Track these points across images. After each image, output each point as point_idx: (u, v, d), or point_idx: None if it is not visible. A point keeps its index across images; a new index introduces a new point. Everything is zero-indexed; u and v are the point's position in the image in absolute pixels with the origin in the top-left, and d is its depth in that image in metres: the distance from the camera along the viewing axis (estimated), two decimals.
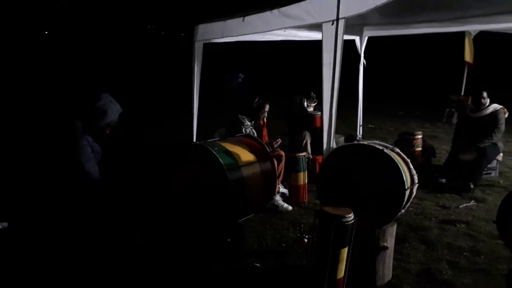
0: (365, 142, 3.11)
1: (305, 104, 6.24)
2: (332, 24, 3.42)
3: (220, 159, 3.21)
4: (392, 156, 2.95)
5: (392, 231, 3.17)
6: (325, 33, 3.54)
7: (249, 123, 4.74)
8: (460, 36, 8.95)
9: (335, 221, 2.69)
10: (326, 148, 3.47)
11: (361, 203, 2.97)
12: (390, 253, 3.20)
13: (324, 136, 3.55)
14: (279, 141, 4.95)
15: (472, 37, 8.98)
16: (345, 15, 3.36)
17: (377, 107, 10.72)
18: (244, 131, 4.56)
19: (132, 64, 18.51)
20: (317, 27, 4.82)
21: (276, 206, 4.63)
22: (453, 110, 9.91)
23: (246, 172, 3.40)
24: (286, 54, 17.45)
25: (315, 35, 6.39)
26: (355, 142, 3.37)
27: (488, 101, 5.54)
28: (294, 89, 6.68)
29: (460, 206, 4.77)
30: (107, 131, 3.10)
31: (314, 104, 6.47)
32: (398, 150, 3.36)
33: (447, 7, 4.47)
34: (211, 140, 3.67)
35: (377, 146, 3.00)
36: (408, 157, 3.32)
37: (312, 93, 6.52)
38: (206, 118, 6.64)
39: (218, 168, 3.20)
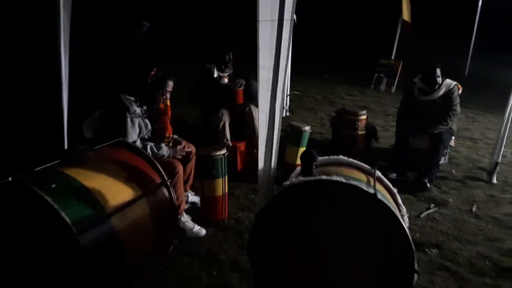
0: (339, 179, 1.68)
1: (215, 74, 4.51)
2: None
3: (62, 213, 1.58)
4: (392, 208, 1.60)
5: None
6: None
7: (138, 110, 3.00)
8: None
9: None
10: (263, 177, 2.01)
11: None
12: None
13: (260, 151, 2.08)
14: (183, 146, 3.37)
15: None
16: None
17: (300, 69, 9.43)
18: (129, 123, 2.90)
19: None
20: None
21: (184, 231, 3.16)
22: (382, 75, 9.06)
23: (121, 221, 1.84)
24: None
25: None
26: (316, 176, 1.89)
27: (440, 79, 4.49)
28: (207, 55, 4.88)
29: (421, 216, 3.75)
30: None
31: (227, 74, 4.70)
32: (379, 174, 2.04)
33: None
34: (47, 165, 1.91)
35: (363, 187, 1.62)
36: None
37: (227, 56, 4.65)
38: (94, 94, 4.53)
39: (60, 230, 1.58)
